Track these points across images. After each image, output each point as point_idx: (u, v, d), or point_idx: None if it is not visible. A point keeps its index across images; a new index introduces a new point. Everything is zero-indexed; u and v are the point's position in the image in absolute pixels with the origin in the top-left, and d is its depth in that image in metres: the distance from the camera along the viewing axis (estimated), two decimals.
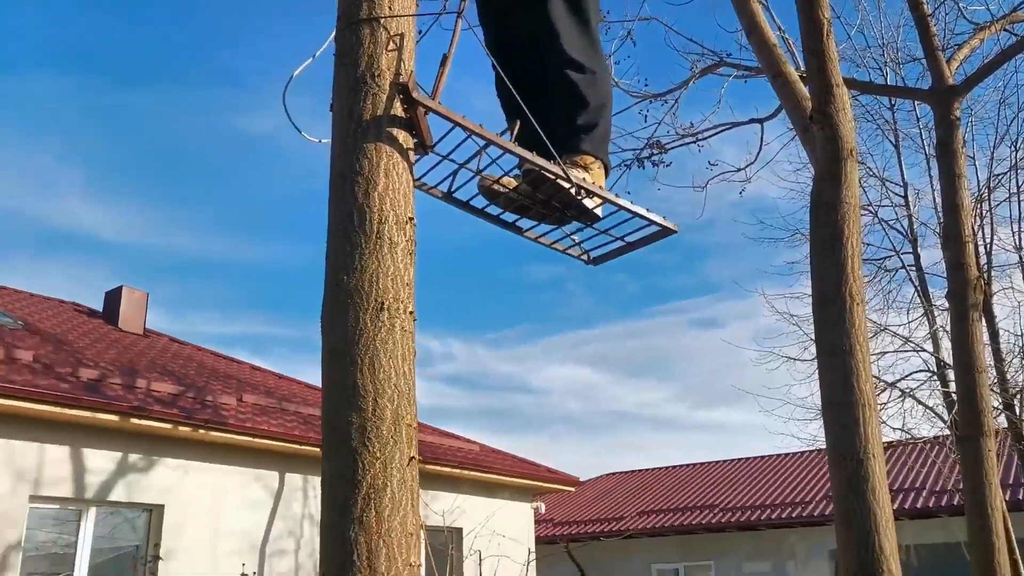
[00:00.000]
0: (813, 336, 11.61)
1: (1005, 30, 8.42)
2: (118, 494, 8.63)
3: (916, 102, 11.25)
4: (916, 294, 11.73)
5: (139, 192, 31.68)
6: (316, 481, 10.50)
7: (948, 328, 9.57)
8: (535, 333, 43.17)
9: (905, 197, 12.25)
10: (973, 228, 8.46)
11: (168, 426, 8.85)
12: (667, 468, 23.30)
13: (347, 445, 1.93)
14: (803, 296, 12.31)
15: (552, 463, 13.83)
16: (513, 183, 2.48)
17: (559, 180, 2.33)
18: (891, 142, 12.14)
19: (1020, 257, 11.31)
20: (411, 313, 2.06)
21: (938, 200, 11.07)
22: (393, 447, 1.94)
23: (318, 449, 7.86)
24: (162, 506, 8.97)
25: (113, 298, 13.63)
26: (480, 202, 2.61)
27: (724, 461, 22.40)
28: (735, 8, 6.03)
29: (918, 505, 14.38)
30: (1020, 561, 7.40)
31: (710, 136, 9.13)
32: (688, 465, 22.87)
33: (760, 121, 9.02)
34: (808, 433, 16.37)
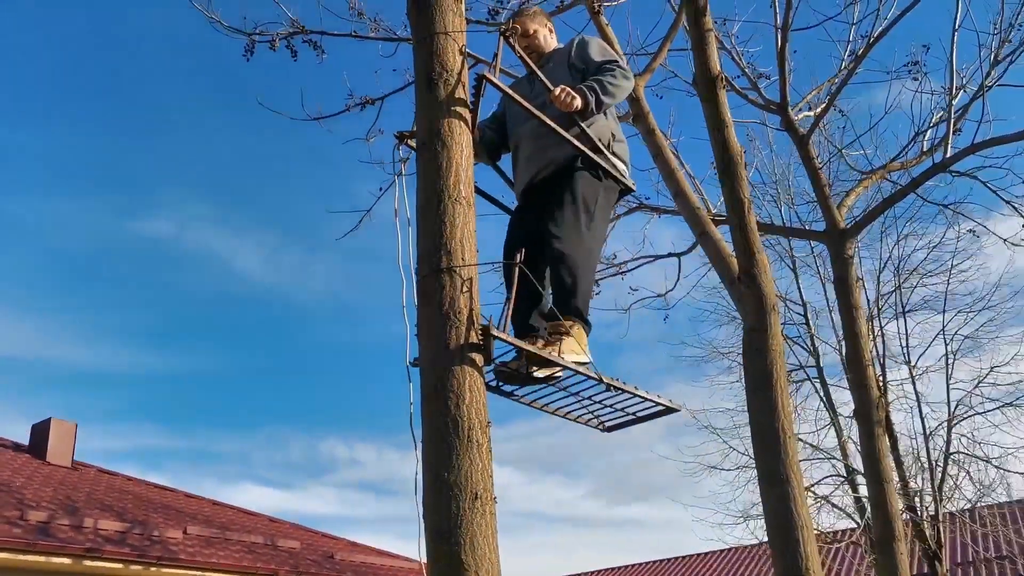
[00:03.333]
0: (731, 446, 12.58)
1: (884, 179, 9.77)
2: None
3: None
4: (822, 404, 12.86)
5: (27, 303, 30.84)
6: None
7: (854, 437, 10.61)
8: None
9: (805, 316, 13.58)
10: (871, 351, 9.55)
11: (120, 566, 8.86)
12: (597, 572, 23.59)
13: None
14: (723, 409, 13.30)
15: None
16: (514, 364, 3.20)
17: (589, 375, 3.05)
18: (789, 267, 13.59)
19: (908, 368, 12.69)
20: (494, 499, 2.67)
21: (835, 319, 12.30)
22: None
23: None
24: None
25: (40, 431, 13.43)
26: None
27: (657, 561, 22.82)
28: (663, 176, 6.99)
29: None
30: None
31: (634, 268, 10.10)
32: (617, 568, 23.20)
33: (678, 255, 10.04)
34: (733, 536, 17.21)
